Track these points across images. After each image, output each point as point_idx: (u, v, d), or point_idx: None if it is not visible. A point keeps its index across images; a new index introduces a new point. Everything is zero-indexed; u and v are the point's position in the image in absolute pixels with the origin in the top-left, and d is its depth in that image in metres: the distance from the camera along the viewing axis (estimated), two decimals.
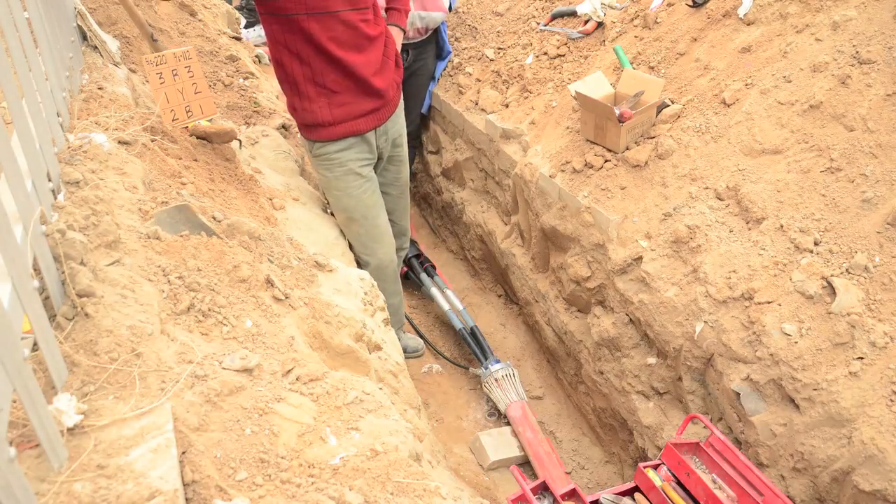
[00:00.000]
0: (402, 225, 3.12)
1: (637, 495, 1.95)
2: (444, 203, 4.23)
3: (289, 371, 1.33)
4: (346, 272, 2.02)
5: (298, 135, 3.08)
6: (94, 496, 0.92)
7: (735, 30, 2.68)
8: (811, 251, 2.01)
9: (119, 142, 1.77)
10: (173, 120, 2.19)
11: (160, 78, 2.16)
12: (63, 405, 1.01)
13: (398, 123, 2.77)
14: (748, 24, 2.65)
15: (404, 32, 2.92)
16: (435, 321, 3.75)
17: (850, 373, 1.77)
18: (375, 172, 2.77)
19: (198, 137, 2.24)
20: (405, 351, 3.18)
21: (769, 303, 1.98)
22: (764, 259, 2.07)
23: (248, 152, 2.84)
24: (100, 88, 2.07)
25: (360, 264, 2.80)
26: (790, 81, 2.36)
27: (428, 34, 3.85)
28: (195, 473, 1.03)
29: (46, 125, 1.45)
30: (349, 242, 2.82)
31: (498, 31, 3.98)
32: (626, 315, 2.53)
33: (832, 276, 1.92)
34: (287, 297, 1.59)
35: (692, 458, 1.98)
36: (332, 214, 2.87)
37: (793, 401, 1.88)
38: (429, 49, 3.94)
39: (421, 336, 3.56)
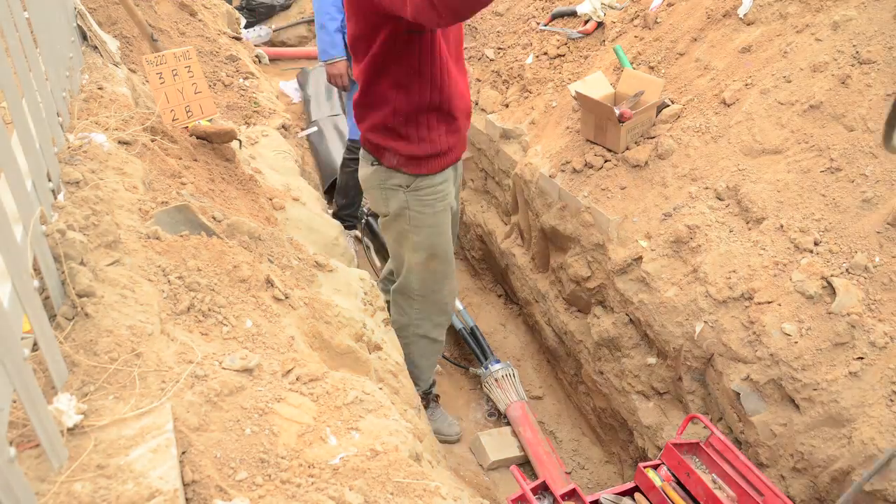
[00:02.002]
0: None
1: (637, 495, 1.95)
2: None
3: (289, 371, 1.33)
4: (346, 272, 2.02)
5: (296, 135, 3.03)
6: (94, 496, 0.92)
7: (735, 30, 2.68)
8: (811, 251, 2.01)
9: (119, 142, 1.77)
10: (173, 120, 2.19)
11: (160, 78, 2.16)
12: (63, 405, 1.01)
13: None
14: (748, 24, 2.65)
15: None
16: None
17: (850, 373, 1.77)
18: None
19: (198, 137, 2.24)
20: (438, 433, 2.77)
21: (769, 303, 1.98)
22: (764, 259, 2.07)
23: (248, 152, 2.85)
24: (100, 88, 2.07)
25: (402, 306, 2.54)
26: (790, 81, 2.36)
27: None
28: (195, 473, 1.03)
29: (46, 125, 1.45)
30: (406, 282, 2.51)
31: (498, 31, 3.98)
32: (626, 315, 2.53)
33: (832, 276, 1.92)
34: (287, 297, 1.59)
35: (692, 458, 1.98)
36: (387, 254, 2.56)
37: (793, 401, 1.88)
38: None
39: None
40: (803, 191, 2.13)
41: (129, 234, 1.42)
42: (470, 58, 4.00)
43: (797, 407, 1.87)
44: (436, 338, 2.62)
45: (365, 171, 2.36)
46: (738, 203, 2.25)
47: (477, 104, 3.72)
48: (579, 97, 2.66)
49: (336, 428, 1.24)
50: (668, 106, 2.65)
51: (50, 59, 1.65)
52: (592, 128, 2.71)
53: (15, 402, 0.97)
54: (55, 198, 1.37)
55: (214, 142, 2.28)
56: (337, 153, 4.34)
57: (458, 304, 3.50)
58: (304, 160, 3.26)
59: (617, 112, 2.50)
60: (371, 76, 2.10)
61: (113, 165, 1.62)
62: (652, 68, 2.85)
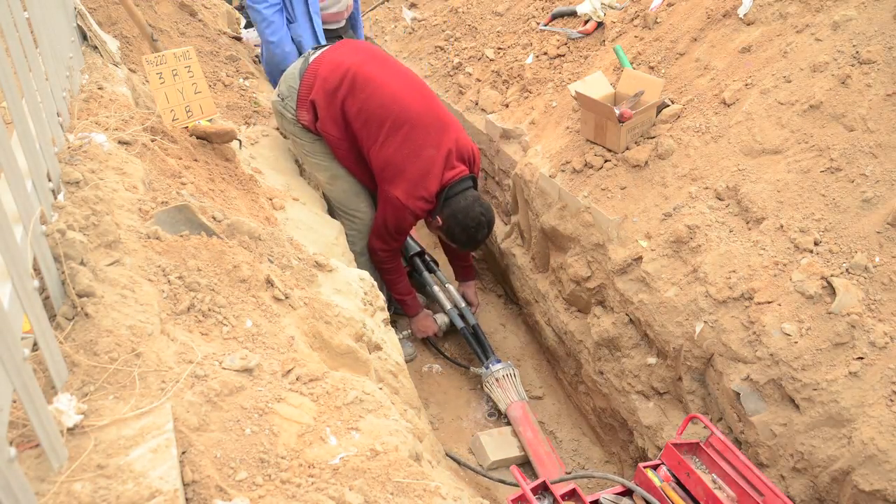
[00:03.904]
0: None
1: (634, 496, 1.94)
2: None
3: (289, 371, 1.33)
4: (346, 272, 2.02)
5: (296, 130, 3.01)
6: (94, 496, 0.92)
7: (735, 30, 2.68)
8: (811, 251, 2.01)
9: (119, 142, 1.77)
10: (173, 120, 2.19)
11: (160, 78, 2.16)
12: (63, 405, 1.01)
13: None
14: (748, 24, 2.65)
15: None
16: None
17: (850, 373, 1.77)
18: None
19: (198, 137, 2.24)
20: None
21: (769, 303, 1.98)
22: (764, 259, 2.07)
23: (248, 152, 2.84)
24: (100, 88, 2.07)
25: (349, 232, 2.97)
26: (790, 81, 2.36)
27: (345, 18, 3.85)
28: (195, 473, 1.03)
29: (46, 125, 1.45)
30: (334, 207, 3.04)
31: (498, 31, 3.98)
32: (626, 315, 2.53)
33: (832, 276, 1.92)
34: (287, 297, 1.59)
35: (692, 458, 1.98)
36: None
37: (793, 401, 1.88)
38: (349, 33, 3.94)
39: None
40: (803, 191, 2.13)
41: (129, 234, 1.42)
42: (470, 58, 4.00)
43: (797, 407, 1.87)
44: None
45: None
46: (738, 203, 2.25)
47: (477, 104, 3.72)
48: (579, 97, 2.66)
49: (336, 428, 1.24)
50: (668, 106, 2.65)
51: (50, 59, 1.65)
52: (592, 128, 2.71)
53: (15, 402, 0.97)
54: (55, 198, 1.37)
55: (214, 142, 2.28)
56: None
57: (461, 302, 3.49)
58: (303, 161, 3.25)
59: (617, 112, 2.50)
60: None
61: (113, 165, 1.62)
62: (652, 68, 2.85)
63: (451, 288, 3.54)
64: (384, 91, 2.80)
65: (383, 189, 2.92)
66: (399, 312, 3.45)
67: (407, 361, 3.35)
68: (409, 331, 3.46)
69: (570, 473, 2.78)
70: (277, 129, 3.09)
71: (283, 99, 2.88)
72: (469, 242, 3.02)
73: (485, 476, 2.72)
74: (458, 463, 2.71)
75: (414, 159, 2.80)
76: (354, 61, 2.84)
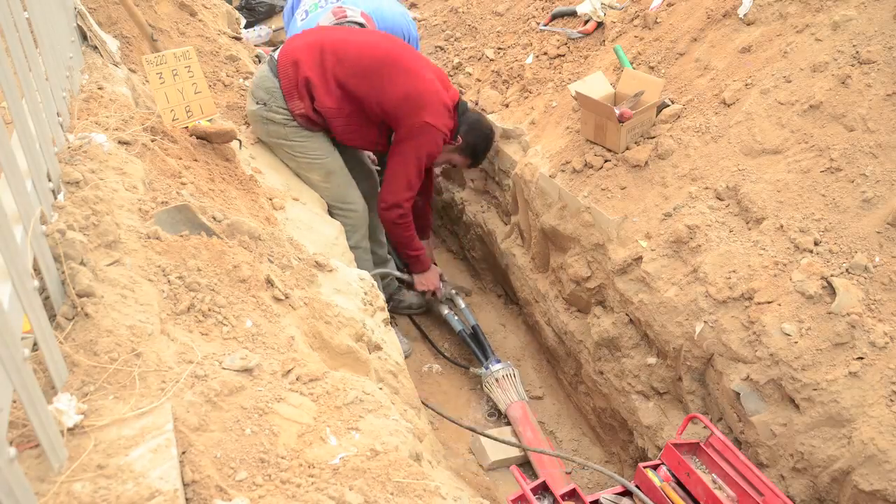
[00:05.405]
0: None
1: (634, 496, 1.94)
2: (444, 203, 4.23)
3: (289, 371, 1.33)
4: (346, 272, 2.02)
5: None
6: (94, 496, 0.92)
7: (735, 30, 2.68)
8: (811, 251, 2.01)
9: (119, 142, 1.77)
10: (173, 120, 2.19)
11: (160, 78, 2.16)
12: (63, 405, 1.02)
13: None
14: (748, 24, 2.65)
15: None
16: (435, 319, 3.74)
17: (850, 373, 1.77)
18: None
19: (198, 137, 2.24)
20: None
21: (769, 303, 1.98)
22: (764, 259, 2.07)
23: (248, 152, 2.84)
24: (100, 88, 2.07)
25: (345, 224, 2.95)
26: (790, 81, 2.36)
27: None
28: (195, 473, 1.03)
29: (46, 125, 1.45)
30: (330, 205, 3.03)
31: (498, 31, 3.98)
32: (626, 315, 2.53)
33: (832, 276, 1.92)
34: (287, 297, 1.59)
35: (692, 458, 1.98)
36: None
37: (793, 401, 1.88)
38: None
39: (423, 333, 3.55)
40: (803, 191, 2.13)
41: (129, 234, 1.42)
42: (470, 58, 4.00)
43: (797, 407, 1.87)
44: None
45: None
46: (738, 203, 2.25)
47: (477, 104, 3.72)
48: (579, 97, 2.66)
49: (336, 428, 1.24)
50: (668, 106, 2.65)
51: (50, 59, 1.65)
52: (592, 128, 2.71)
53: (15, 402, 0.97)
54: (55, 198, 1.37)
55: (214, 142, 2.28)
56: None
57: (461, 302, 3.49)
58: None
59: (617, 112, 2.50)
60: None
61: (113, 165, 1.62)
62: (652, 68, 2.85)
63: (452, 289, 3.55)
64: (363, 47, 2.92)
65: (409, 123, 2.93)
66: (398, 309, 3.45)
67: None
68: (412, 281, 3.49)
69: (566, 470, 2.78)
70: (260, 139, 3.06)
71: (265, 104, 2.86)
72: (486, 152, 3.34)
73: (457, 424, 2.75)
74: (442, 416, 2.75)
75: (424, 84, 2.93)
76: (321, 37, 2.95)
